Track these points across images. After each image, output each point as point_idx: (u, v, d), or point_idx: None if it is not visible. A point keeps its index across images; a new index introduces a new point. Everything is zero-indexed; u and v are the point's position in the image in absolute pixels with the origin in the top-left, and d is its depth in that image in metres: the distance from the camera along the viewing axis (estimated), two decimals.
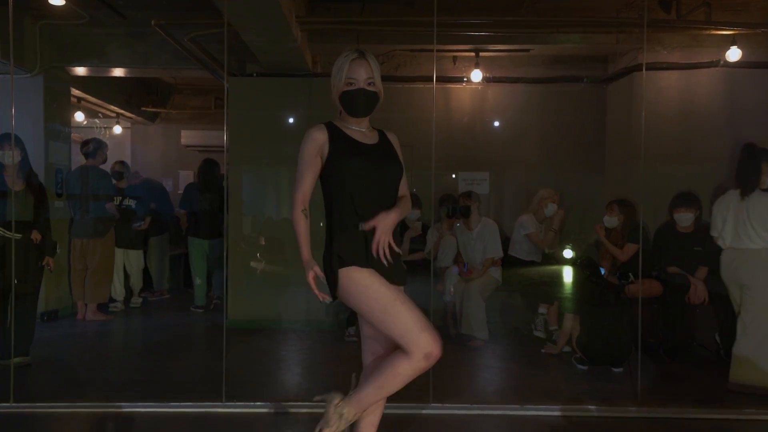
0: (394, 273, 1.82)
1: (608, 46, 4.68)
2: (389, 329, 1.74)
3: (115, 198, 5.19)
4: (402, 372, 1.73)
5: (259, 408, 2.84)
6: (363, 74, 1.85)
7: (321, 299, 1.81)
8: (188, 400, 2.88)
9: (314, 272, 1.79)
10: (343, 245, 1.79)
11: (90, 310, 4.88)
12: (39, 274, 3.79)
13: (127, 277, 5.43)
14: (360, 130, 1.91)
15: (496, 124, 5.55)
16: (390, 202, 1.86)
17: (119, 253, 5.27)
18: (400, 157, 1.94)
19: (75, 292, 4.98)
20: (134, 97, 7.20)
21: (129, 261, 5.41)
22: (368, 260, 1.78)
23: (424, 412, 2.84)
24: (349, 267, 1.77)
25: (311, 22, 4.13)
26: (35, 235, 3.65)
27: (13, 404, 2.87)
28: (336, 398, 1.82)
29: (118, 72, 5.88)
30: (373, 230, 1.79)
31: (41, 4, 4.45)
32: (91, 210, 4.94)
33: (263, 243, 4.95)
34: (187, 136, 7.57)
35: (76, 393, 3.05)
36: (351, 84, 1.85)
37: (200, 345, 4.40)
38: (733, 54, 4.25)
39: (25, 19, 4.89)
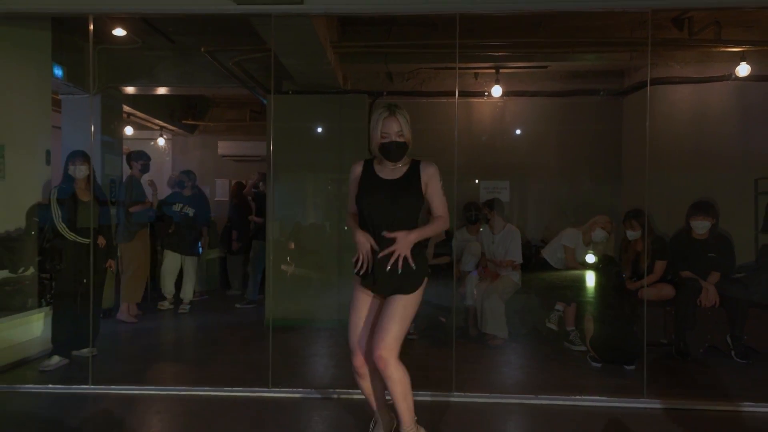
0: (381, 286, 2.30)
1: (622, 62, 4.93)
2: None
3: (176, 205, 5.59)
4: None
5: (300, 394, 3.21)
6: (394, 128, 2.30)
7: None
8: (238, 386, 3.28)
9: (362, 239, 2.28)
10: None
11: (123, 309, 5.14)
12: (103, 275, 4.24)
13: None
14: (392, 167, 2.37)
15: (516, 135, 5.84)
16: (404, 226, 2.27)
17: (176, 257, 5.61)
18: (424, 187, 2.33)
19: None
20: (176, 111, 7.74)
21: (186, 266, 5.65)
22: (360, 275, 2.32)
23: (447, 399, 3.16)
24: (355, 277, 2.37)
25: (344, 46, 4.51)
26: (101, 240, 4.09)
27: (92, 386, 3.32)
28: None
29: (162, 90, 6.40)
30: (381, 248, 2.25)
31: (99, 30, 4.95)
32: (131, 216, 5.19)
33: (292, 247, 5.34)
34: (224, 147, 8.09)
35: (141, 379, 3.47)
36: (385, 137, 2.30)
37: (246, 339, 4.81)
38: (743, 69, 4.46)
39: (85, 44, 5.42)
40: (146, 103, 6.86)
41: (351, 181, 2.41)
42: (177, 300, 5.73)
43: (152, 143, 7.92)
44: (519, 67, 5.26)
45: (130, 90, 6.17)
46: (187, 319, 5.42)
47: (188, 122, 8.02)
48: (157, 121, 7.44)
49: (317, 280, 5.14)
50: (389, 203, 2.28)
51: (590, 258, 4.61)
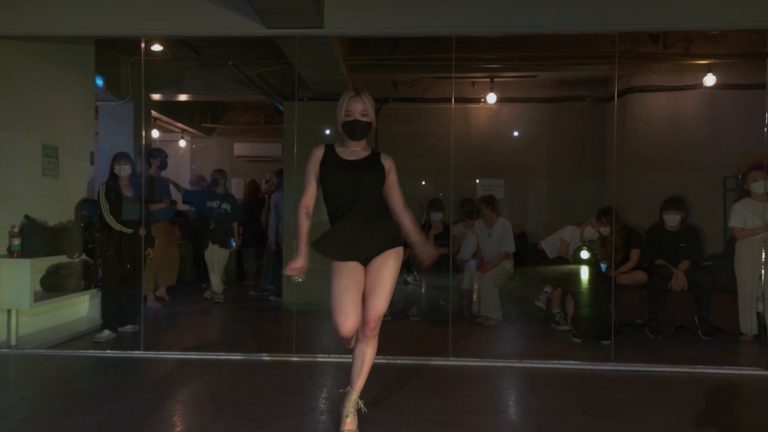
0: (351, 253, 2.36)
1: (605, 72, 5.48)
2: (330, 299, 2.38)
3: (213, 201, 5.94)
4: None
5: (321, 358, 3.77)
6: (359, 107, 2.35)
7: (291, 275, 2.34)
8: (271, 350, 3.86)
9: (298, 264, 2.31)
10: (323, 237, 2.40)
11: (151, 296, 5.51)
12: (145, 262, 4.81)
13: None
14: (355, 150, 2.43)
15: (510, 137, 6.40)
16: (369, 201, 2.35)
17: (214, 249, 5.93)
18: (387, 173, 2.41)
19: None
20: (196, 115, 8.33)
21: (220, 258, 5.96)
22: (335, 253, 2.37)
23: (444, 363, 3.73)
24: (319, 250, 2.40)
25: (354, 59, 5.08)
26: (141, 231, 4.66)
27: (143, 351, 3.91)
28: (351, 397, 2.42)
29: (184, 96, 6.98)
30: (344, 225, 2.35)
31: (133, 43, 5.51)
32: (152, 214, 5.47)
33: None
34: (239, 148, 8.68)
35: (182, 346, 4.05)
36: (349, 116, 2.37)
37: (267, 318, 5.40)
38: (709, 80, 5.00)
39: (121, 56, 6.01)
40: (170, 108, 7.44)
41: (311, 160, 2.40)
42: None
43: (174, 144, 8.50)
44: (511, 77, 5.81)
45: (156, 96, 6.76)
46: (212, 303, 5.97)
47: (206, 125, 8.61)
48: (178, 125, 8.02)
49: (325, 272, 5.66)
50: (356, 179, 2.34)
51: (584, 254, 5.12)
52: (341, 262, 2.39)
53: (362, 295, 2.39)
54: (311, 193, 2.42)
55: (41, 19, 3.91)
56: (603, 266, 4.80)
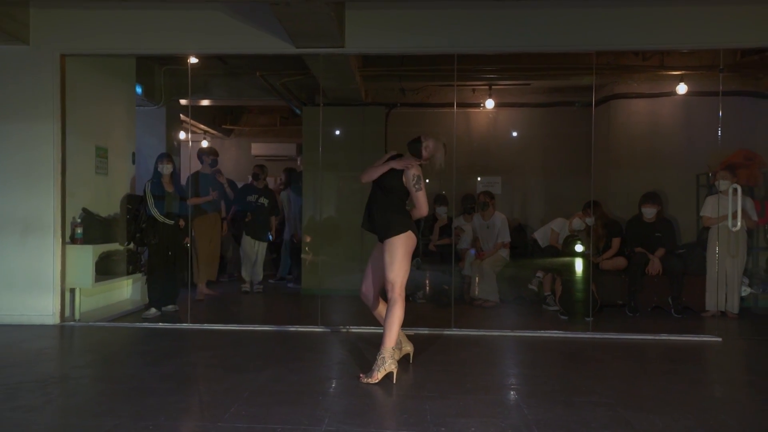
0: (378, 233, 3.20)
1: (590, 80, 6.10)
2: None
3: (252, 196, 6.28)
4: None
5: (341, 329, 4.43)
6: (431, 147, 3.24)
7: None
8: (296, 324, 4.52)
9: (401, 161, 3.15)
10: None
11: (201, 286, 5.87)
12: (183, 249, 5.44)
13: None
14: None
15: (507, 139, 7.05)
16: (387, 199, 3.16)
17: (253, 243, 6.25)
18: (405, 176, 3.14)
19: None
20: (216, 117, 8.99)
21: (259, 251, 6.29)
22: (366, 225, 3.27)
23: (446, 332, 4.38)
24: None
25: (367, 70, 5.73)
26: (181, 222, 5.31)
27: (189, 324, 4.58)
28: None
29: (207, 102, 7.63)
30: (375, 211, 3.20)
31: (167, 54, 6.11)
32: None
33: (309, 240, 6.38)
34: (257, 148, 9.32)
35: (224, 320, 4.71)
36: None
37: (287, 301, 6.06)
38: (681, 88, 5.64)
39: (155, 66, 6.67)
40: (194, 111, 8.09)
41: (385, 155, 3.35)
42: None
43: (196, 145, 9.13)
44: (507, 84, 6.47)
45: (183, 101, 7.41)
46: (237, 288, 6.59)
47: (226, 127, 9.26)
48: (201, 126, 8.68)
49: (339, 262, 6.28)
50: (386, 178, 3.18)
51: (578, 248, 5.59)
52: (378, 244, 3.26)
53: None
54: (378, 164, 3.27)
55: (101, 39, 4.57)
56: (579, 247, 5.41)
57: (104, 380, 3.16)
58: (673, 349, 4.03)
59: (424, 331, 4.40)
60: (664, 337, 4.33)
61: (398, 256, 3.11)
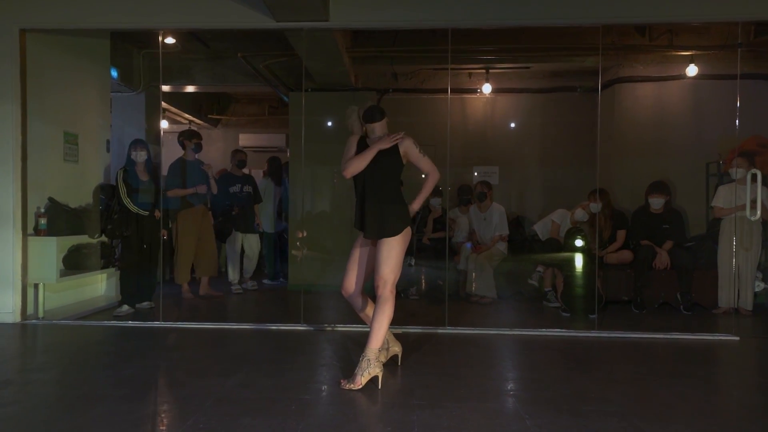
0: (369, 231, 2.86)
1: (594, 63, 5.75)
2: None
3: (236, 185, 5.66)
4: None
5: (326, 328, 4.08)
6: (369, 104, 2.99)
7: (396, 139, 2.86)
8: (279, 322, 4.17)
9: (381, 141, 2.85)
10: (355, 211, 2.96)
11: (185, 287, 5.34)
12: (159, 242, 5.09)
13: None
14: (378, 136, 2.93)
15: (504, 126, 6.70)
16: (388, 184, 2.86)
17: (241, 238, 5.71)
18: (404, 156, 2.89)
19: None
20: (203, 106, 8.62)
21: (252, 245, 5.80)
22: (358, 225, 2.93)
23: (439, 331, 4.04)
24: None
25: (356, 51, 5.36)
26: (157, 213, 4.96)
27: (162, 322, 4.23)
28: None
29: (191, 88, 7.26)
30: (363, 202, 2.88)
31: (145, 36, 5.78)
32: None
33: (302, 235, 6.05)
34: (244, 139, 8.95)
35: (201, 318, 4.36)
36: (365, 108, 2.97)
37: (273, 298, 5.71)
38: (692, 70, 5.29)
39: (133, 49, 6.30)
40: (178, 99, 7.72)
41: (350, 141, 2.99)
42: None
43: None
44: (505, 68, 6.10)
45: (165, 88, 7.04)
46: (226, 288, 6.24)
47: (213, 116, 8.89)
48: (186, 116, 8.30)
49: (328, 257, 5.96)
50: (373, 166, 2.86)
51: (578, 242, 5.32)
52: (362, 238, 2.94)
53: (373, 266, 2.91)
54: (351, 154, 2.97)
55: (65, 12, 4.20)
56: (580, 242, 5.07)
57: (53, 385, 2.81)
58: (687, 349, 3.70)
59: (416, 329, 4.06)
60: (675, 335, 4.00)
61: (396, 251, 2.83)
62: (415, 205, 2.98)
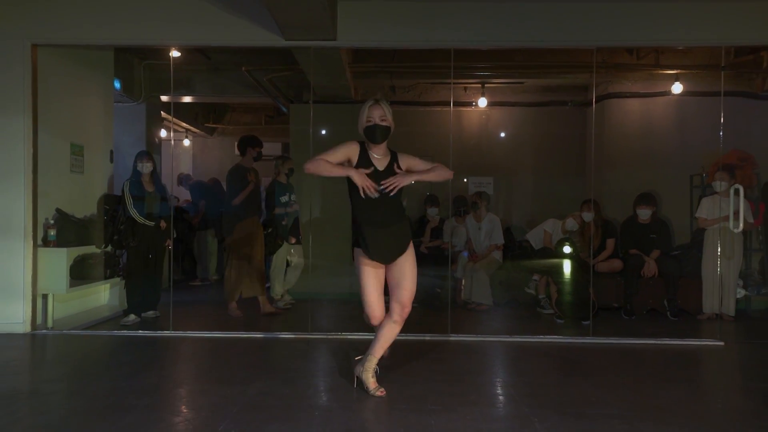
0: (379, 255, 2.73)
1: (585, 79, 6.02)
2: (361, 294, 2.85)
3: (284, 196, 5.29)
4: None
5: (322, 335, 4.22)
6: (378, 113, 2.66)
7: (371, 191, 2.62)
8: (287, 330, 4.29)
9: (359, 173, 2.61)
10: (356, 236, 2.80)
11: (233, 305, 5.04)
12: (164, 252, 5.16)
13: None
14: (377, 157, 2.72)
15: (499, 138, 6.92)
16: (390, 209, 2.69)
17: (285, 248, 5.34)
18: (406, 170, 2.74)
19: None
20: (199, 115, 8.68)
21: (298, 255, 5.50)
22: (366, 251, 2.75)
23: (443, 339, 4.21)
24: (357, 249, 2.81)
25: (358, 66, 5.53)
26: (162, 224, 5.04)
27: (171, 331, 4.32)
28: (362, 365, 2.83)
29: (189, 99, 7.35)
30: (371, 232, 2.69)
31: (147, 48, 5.85)
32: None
33: (293, 242, 6.09)
34: None
35: (208, 327, 4.46)
36: (369, 121, 2.68)
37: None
38: (677, 88, 5.57)
39: (134, 60, 6.37)
40: (176, 108, 7.79)
41: (344, 146, 2.70)
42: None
43: (179, 144, 8.84)
44: (501, 83, 6.33)
45: (164, 98, 7.11)
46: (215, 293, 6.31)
47: (209, 125, 8.96)
48: (183, 124, 8.37)
49: (322, 264, 6.03)
50: (382, 196, 2.69)
51: (566, 249, 5.49)
52: (370, 262, 2.78)
53: (391, 285, 2.83)
54: (332, 158, 2.69)
55: (78, 28, 4.29)
56: (567, 249, 5.28)
57: (77, 395, 2.90)
58: (677, 354, 3.92)
59: (423, 337, 4.22)
60: (665, 341, 4.22)
61: (415, 263, 2.79)
62: (409, 178, 2.73)
